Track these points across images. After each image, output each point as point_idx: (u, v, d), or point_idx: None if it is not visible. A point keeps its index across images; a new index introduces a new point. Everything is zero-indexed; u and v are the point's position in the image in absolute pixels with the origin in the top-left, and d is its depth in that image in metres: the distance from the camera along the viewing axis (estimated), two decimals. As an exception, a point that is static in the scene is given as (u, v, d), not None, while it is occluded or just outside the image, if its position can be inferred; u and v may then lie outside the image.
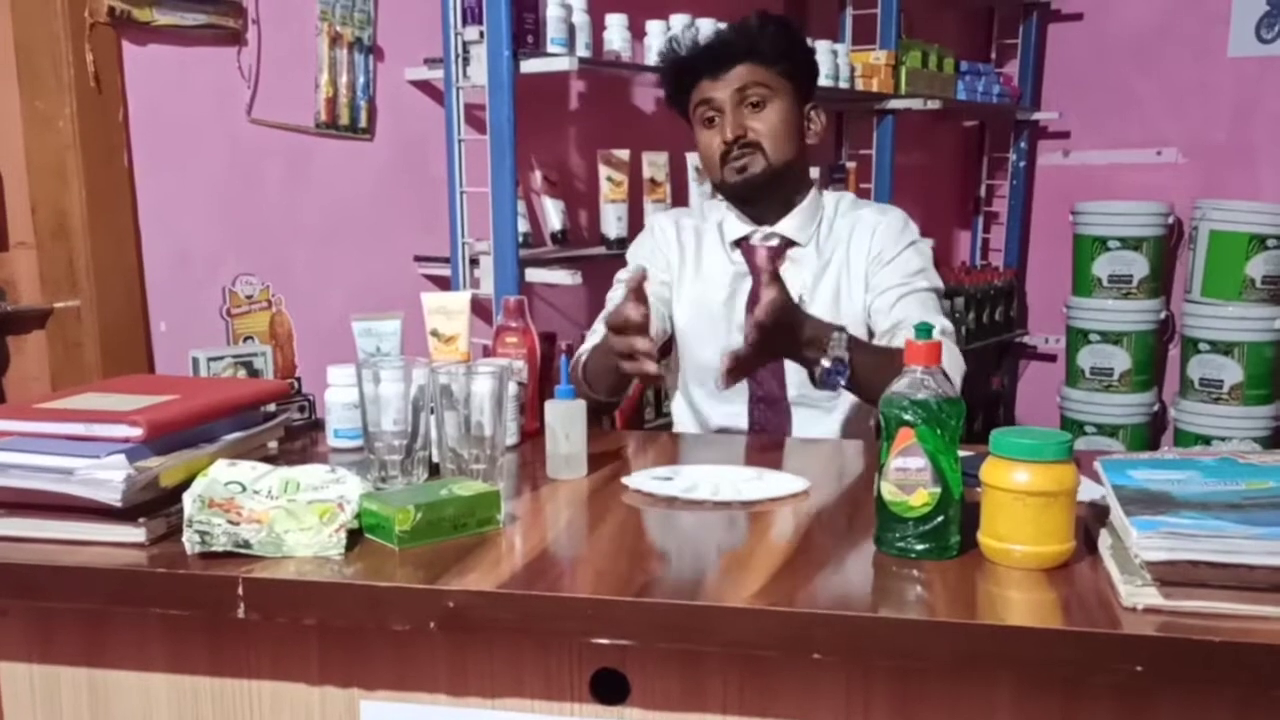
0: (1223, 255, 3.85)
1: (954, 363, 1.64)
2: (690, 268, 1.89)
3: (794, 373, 1.80)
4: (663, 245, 1.91)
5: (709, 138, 1.79)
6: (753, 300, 1.80)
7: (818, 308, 1.79)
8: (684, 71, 1.81)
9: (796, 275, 1.82)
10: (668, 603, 0.99)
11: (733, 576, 1.07)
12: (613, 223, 2.73)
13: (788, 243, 1.84)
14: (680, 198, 2.90)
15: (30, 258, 2.03)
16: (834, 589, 1.07)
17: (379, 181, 2.55)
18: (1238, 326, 3.85)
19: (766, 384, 1.84)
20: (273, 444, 1.42)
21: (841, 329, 1.56)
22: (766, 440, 1.77)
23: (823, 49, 3.15)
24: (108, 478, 1.10)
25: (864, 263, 1.81)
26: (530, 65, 2.39)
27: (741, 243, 1.86)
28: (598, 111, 2.97)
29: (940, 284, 1.81)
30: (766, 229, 1.84)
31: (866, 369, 1.54)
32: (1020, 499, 1.03)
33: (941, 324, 1.70)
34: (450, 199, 2.57)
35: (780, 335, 1.51)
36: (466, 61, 2.47)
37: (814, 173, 2.05)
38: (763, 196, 1.82)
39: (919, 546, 1.08)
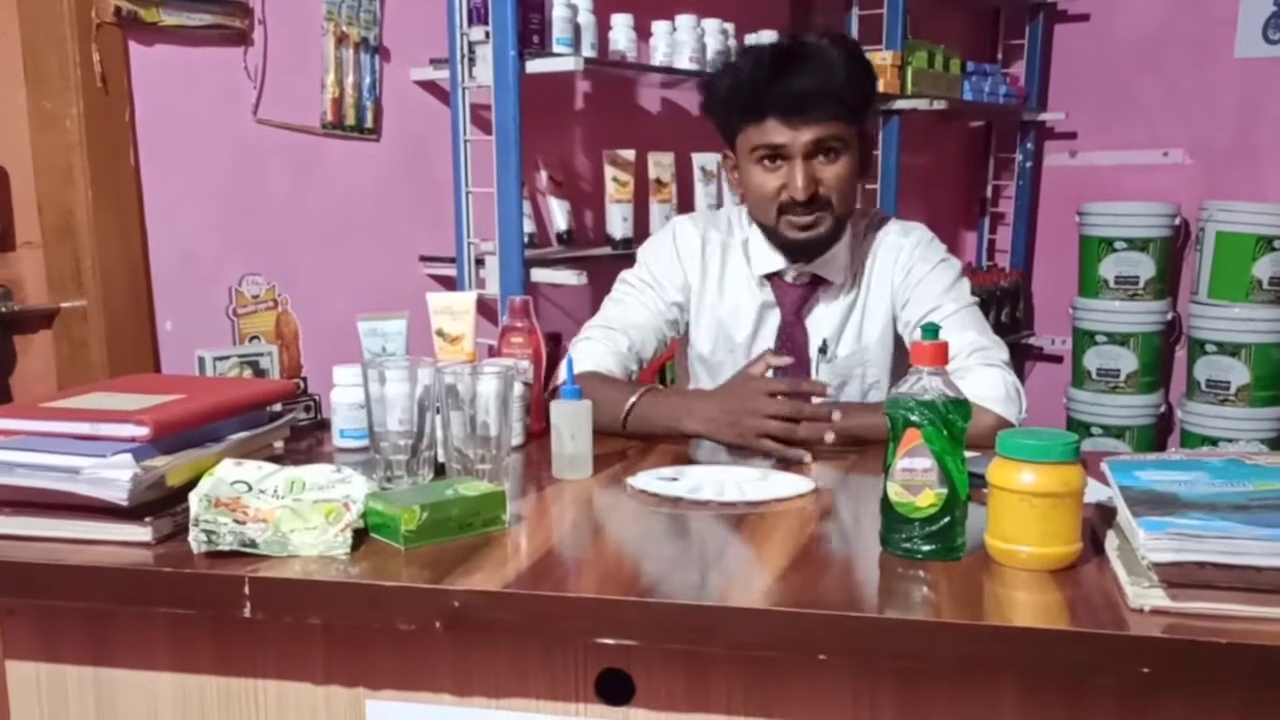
0: (1229, 256, 3.84)
1: (987, 391, 1.53)
2: (713, 289, 1.79)
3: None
4: (685, 259, 1.78)
5: (766, 179, 1.64)
6: (783, 339, 1.75)
7: (842, 347, 1.76)
8: (751, 105, 1.63)
9: (825, 318, 1.76)
10: (673, 603, 0.99)
11: (738, 577, 1.07)
12: (618, 223, 2.73)
13: (819, 281, 1.75)
14: (686, 198, 2.90)
15: (36, 257, 2.04)
16: (840, 590, 1.07)
17: (385, 181, 2.55)
18: (1245, 328, 3.84)
19: None
20: (278, 443, 1.41)
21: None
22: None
23: (829, 49, 3.14)
24: (114, 477, 1.10)
25: (889, 288, 1.74)
26: (536, 65, 2.39)
27: (772, 277, 1.76)
28: (603, 112, 2.97)
29: (973, 297, 1.72)
30: (800, 266, 1.74)
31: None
32: (1027, 500, 1.03)
33: (973, 341, 1.62)
34: (456, 199, 2.57)
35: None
36: (472, 62, 2.47)
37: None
38: (825, 253, 1.72)
39: (925, 547, 1.08)
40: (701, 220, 1.84)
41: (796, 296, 1.76)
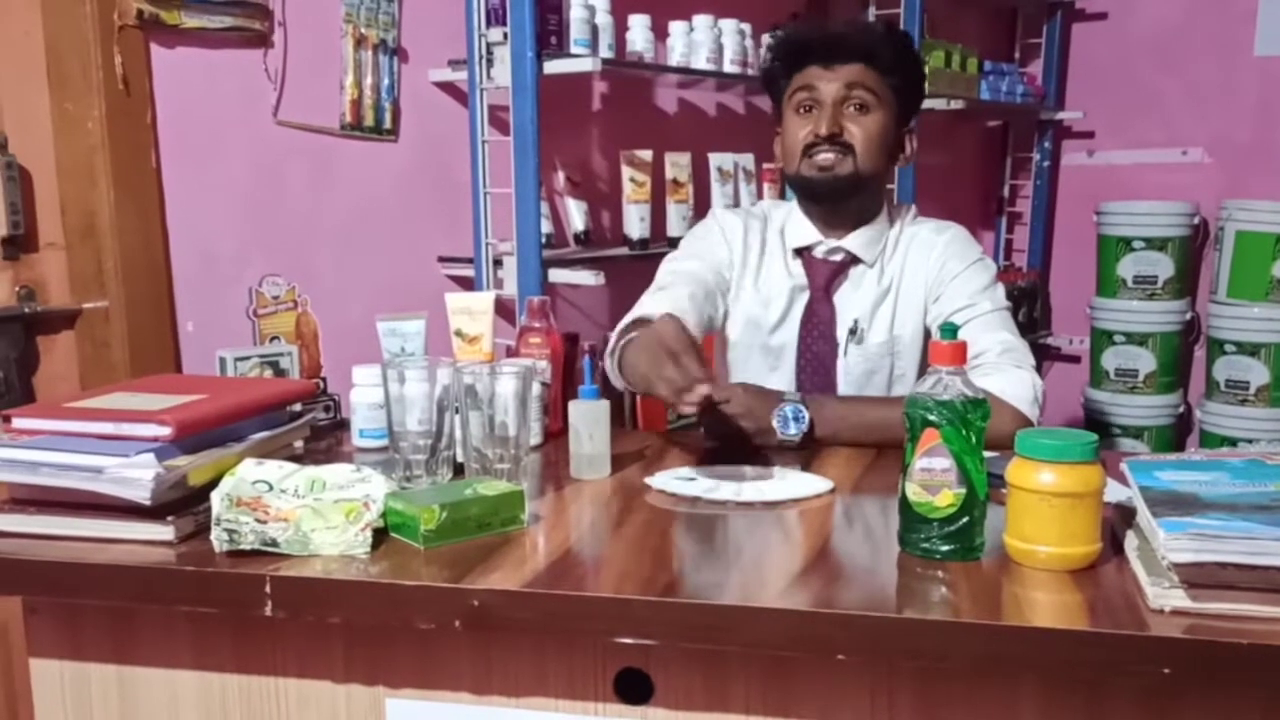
0: (1249, 256, 3.82)
1: (1016, 390, 1.55)
2: (750, 278, 1.80)
3: (846, 387, 1.78)
4: (730, 240, 1.81)
5: (799, 125, 1.71)
6: (810, 317, 1.77)
7: (873, 334, 1.76)
8: (794, 53, 1.73)
9: (854, 298, 1.76)
10: (691, 602, 1.00)
11: (756, 576, 1.08)
12: (635, 223, 2.74)
13: (851, 259, 1.77)
14: (703, 198, 2.90)
15: (59, 258, 2.05)
16: (858, 589, 1.07)
17: (403, 182, 2.56)
18: (1264, 327, 3.81)
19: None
20: (298, 443, 1.42)
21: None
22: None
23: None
24: (137, 476, 1.11)
25: (923, 283, 1.75)
26: (553, 66, 2.40)
27: (803, 252, 1.78)
28: (620, 112, 2.98)
29: (1006, 301, 1.74)
30: (833, 242, 1.76)
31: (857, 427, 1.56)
32: (1046, 500, 1.03)
33: (1006, 341, 1.65)
34: (474, 200, 2.58)
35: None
36: (490, 63, 2.47)
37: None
38: (838, 201, 1.74)
39: (944, 547, 1.08)
40: (741, 211, 1.89)
41: (827, 272, 1.77)
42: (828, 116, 1.68)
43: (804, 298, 1.79)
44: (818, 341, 1.77)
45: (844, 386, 1.76)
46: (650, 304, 1.67)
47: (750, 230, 1.82)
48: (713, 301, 1.77)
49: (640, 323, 1.57)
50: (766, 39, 1.96)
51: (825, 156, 1.69)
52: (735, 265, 1.81)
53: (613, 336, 1.63)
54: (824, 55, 1.70)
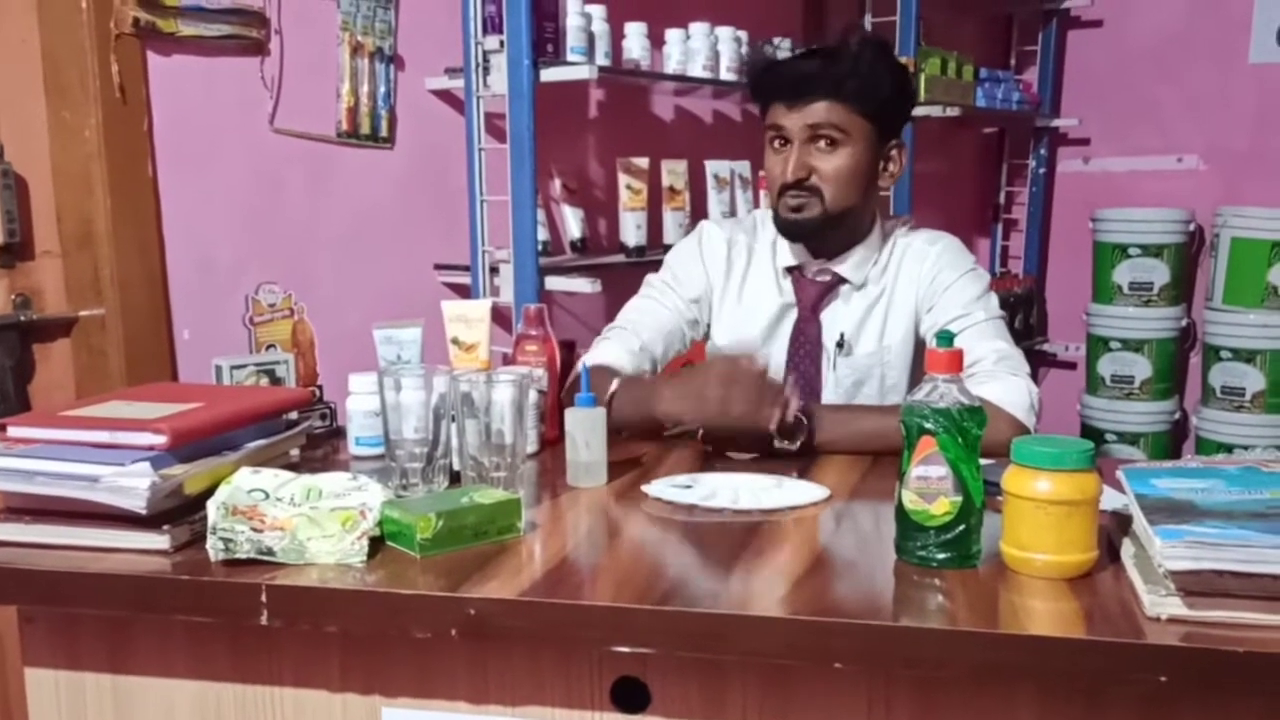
0: (1244, 262, 3.83)
1: (1012, 397, 1.55)
2: (734, 291, 1.81)
3: (835, 399, 1.78)
4: (709, 260, 1.82)
5: (774, 162, 1.72)
6: (798, 336, 1.79)
7: (861, 345, 1.77)
8: (760, 88, 1.73)
9: (845, 313, 1.77)
10: (688, 611, 1.00)
11: (753, 585, 1.08)
12: (632, 231, 2.74)
13: (839, 280, 1.77)
14: (699, 206, 2.90)
15: (56, 266, 2.05)
16: (855, 598, 1.07)
17: (400, 190, 2.56)
18: (1260, 334, 3.82)
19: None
20: (294, 451, 1.42)
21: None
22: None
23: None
24: (132, 485, 1.11)
25: (915, 293, 1.75)
26: (550, 74, 2.40)
27: (793, 271, 1.79)
28: (617, 120, 2.98)
29: (1000, 311, 1.73)
30: (822, 262, 1.77)
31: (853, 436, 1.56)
32: (1042, 508, 1.03)
33: (1000, 349, 1.64)
34: (470, 207, 2.58)
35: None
36: (487, 70, 2.48)
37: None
38: (812, 239, 1.75)
39: (940, 555, 1.08)
40: (728, 224, 1.88)
41: (815, 292, 1.78)
42: (794, 159, 1.67)
43: (792, 315, 1.79)
44: (805, 360, 1.78)
45: (832, 399, 1.77)
46: (608, 349, 1.74)
47: (735, 246, 1.82)
48: (677, 336, 1.82)
49: (601, 369, 1.65)
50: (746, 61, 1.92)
51: (794, 200, 1.69)
52: (716, 287, 1.82)
53: (579, 368, 1.63)
54: (787, 94, 1.67)
